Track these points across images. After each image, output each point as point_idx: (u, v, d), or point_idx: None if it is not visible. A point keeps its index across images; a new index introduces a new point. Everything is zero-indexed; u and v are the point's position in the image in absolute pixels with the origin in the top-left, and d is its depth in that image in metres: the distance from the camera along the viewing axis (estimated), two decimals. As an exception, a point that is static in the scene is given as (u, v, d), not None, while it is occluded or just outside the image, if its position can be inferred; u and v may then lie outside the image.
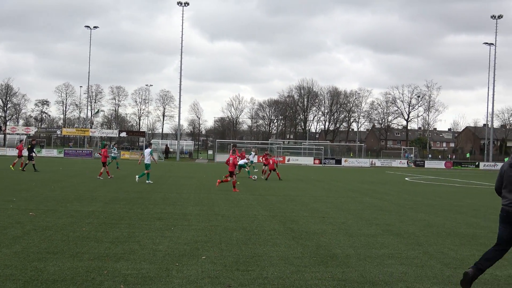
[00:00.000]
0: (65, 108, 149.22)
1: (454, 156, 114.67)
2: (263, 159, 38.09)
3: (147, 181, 28.11)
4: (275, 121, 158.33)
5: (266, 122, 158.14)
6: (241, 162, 31.76)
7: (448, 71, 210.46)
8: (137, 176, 28.79)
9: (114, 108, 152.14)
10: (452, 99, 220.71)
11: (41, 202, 17.70)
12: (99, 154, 39.01)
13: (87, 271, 8.45)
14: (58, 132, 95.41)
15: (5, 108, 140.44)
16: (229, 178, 25.68)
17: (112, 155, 42.91)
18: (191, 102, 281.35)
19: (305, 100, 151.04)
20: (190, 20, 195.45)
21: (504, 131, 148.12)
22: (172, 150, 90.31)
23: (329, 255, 10.35)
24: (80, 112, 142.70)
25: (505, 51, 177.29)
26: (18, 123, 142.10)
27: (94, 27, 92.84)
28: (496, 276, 9.12)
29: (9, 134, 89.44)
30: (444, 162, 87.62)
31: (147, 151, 29.37)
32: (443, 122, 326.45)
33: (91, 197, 19.73)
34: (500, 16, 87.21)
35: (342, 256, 10.29)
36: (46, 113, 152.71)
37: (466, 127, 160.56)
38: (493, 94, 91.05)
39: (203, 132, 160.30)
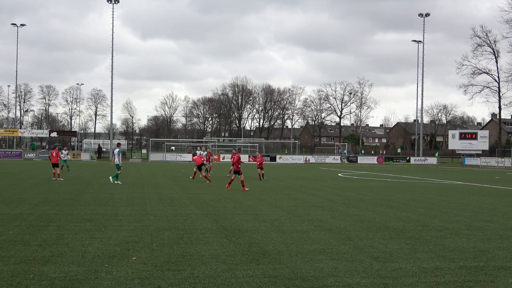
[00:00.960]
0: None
1: (384, 152, 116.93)
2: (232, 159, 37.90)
3: (116, 182, 27.81)
4: (209, 119, 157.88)
5: (200, 120, 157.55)
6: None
7: (378, 68, 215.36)
8: (110, 177, 28.47)
9: (44, 108, 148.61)
10: (383, 95, 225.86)
11: (-34, 205, 17.14)
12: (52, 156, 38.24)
13: (12, 275, 8.22)
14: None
15: None
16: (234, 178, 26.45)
17: (63, 157, 42.29)
18: (124, 101, 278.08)
19: (239, 97, 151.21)
20: (121, 18, 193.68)
21: (433, 127, 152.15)
22: (105, 149, 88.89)
23: (261, 252, 10.37)
24: (8, 112, 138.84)
25: (433, 48, 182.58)
26: None
27: (21, 24, 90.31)
28: (424, 268, 9.32)
29: None
30: (376, 157, 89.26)
31: (116, 151, 28.96)
32: (375, 118, 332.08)
33: (19, 199, 19.21)
34: (427, 14, 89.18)
35: (274, 253, 10.34)
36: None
37: (397, 123, 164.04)
38: (422, 90, 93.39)
39: (137, 131, 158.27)
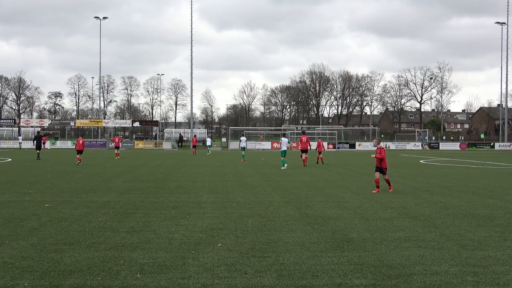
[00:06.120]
0: (78, 99, 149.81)
1: (463, 137, 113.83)
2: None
3: (282, 167, 31.34)
4: (287, 107, 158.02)
5: (278, 108, 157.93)
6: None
7: (455, 53, 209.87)
8: (285, 165, 31.68)
9: (126, 98, 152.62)
10: (462, 80, 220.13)
11: (57, 193, 17.79)
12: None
13: (103, 261, 8.47)
14: (72, 123, 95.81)
15: (19, 101, 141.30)
16: None
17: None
18: (203, 90, 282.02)
19: (317, 85, 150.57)
20: (197, 11, 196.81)
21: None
22: (185, 138, 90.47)
23: (345, 239, 10.31)
24: (93, 103, 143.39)
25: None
26: (32, 115, 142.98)
27: (104, 17, 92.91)
28: (514, 257, 9.04)
29: (23, 126, 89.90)
30: (459, 143, 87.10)
31: (284, 140, 33.00)
32: (456, 104, 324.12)
33: (106, 188, 19.80)
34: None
35: (358, 240, 10.25)
36: (59, 105, 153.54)
37: (480, 108, 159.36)
38: (507, 74, 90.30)
39: (216, 119, 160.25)
